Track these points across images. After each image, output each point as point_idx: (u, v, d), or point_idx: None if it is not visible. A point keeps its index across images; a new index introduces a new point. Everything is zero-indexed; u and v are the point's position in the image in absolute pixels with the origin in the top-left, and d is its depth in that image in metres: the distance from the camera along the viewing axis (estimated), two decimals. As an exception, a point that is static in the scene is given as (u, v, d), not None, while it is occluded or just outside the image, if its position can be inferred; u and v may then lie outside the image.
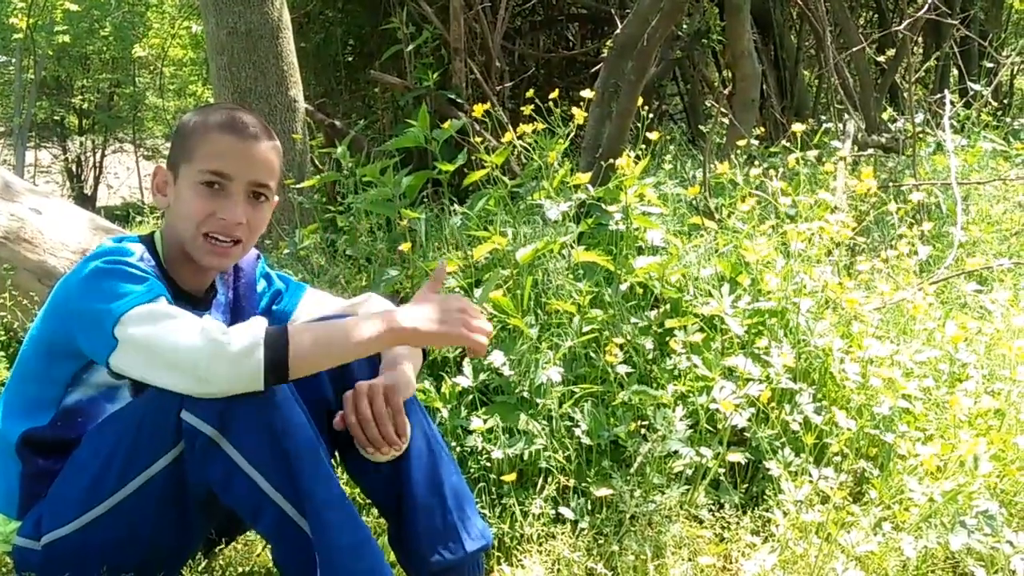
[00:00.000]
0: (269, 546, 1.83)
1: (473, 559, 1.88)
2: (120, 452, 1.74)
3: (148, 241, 1.92)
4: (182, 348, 1.64)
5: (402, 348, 1.94)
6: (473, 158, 3.46)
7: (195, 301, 1.94)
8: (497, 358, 2.51)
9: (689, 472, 2.33)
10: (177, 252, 1.91)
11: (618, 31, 3.99)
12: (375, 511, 2.21)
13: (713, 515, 2.27)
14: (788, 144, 4.19)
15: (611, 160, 3.29)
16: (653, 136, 3.29)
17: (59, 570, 1.79)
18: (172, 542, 1.83)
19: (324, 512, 1.68)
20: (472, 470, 2.36)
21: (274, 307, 2.12)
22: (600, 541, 2.22)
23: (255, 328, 1.68)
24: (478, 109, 3.16)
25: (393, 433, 1.83)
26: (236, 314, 2.04)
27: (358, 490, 2.26)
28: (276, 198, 2.00)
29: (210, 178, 1.85)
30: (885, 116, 5.42)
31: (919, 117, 5.06)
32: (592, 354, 2.61)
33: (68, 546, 1.78)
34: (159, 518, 1.77)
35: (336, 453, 2.05)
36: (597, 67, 4.63)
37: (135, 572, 1.80)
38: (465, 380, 2.51)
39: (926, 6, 4.56)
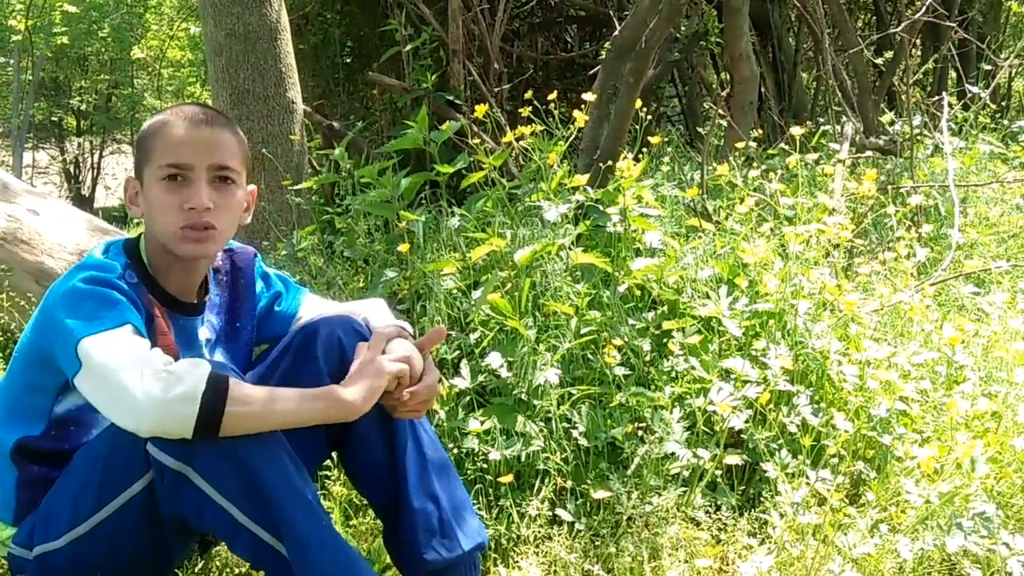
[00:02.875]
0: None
1: (469, 558, 1.88)
2: (94, 478, 1.74)
3: (134, 247, 1.90)
4: (121, 383, 1.62)
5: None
6: (472, 159, 3.46)
7: (186, 307, 1.93)
8: (495, 359, 2.51)
9: (686, 474, 2.33)
10: (161, 258, 1.88)
11: (616, 33, 3.99)
12: (371, 512, 2.21)
13: (710, 517, 2.26)
14: (786, 146, 4.20)
15: (609, 162, 3.29)
16: (654, 140, 3.29)
17: None
18: (156, 557, 1.84)
19: (302, 538, 1.67)
20: (469, 472, 2.36)
21: (276, 308, 2.11)
22: (597, 543, 2.22)
23: (197, 375, 1.65)
24: (480, 109, 3.16)
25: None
26: (234, 314, 2.03)
27: (355, 492, 2.27)
28: (252, 187, 1.98)
29: (170, 171, 1.82)
30: (883, 118, 5.42)
31: (917, 119, 5.07)
32: (590, 356, 2.61)
33: (58, 559, 1.80)
34: (139, 538, 1.77)
35: (333, 454, 2.05)
36: (595, 69, 4.63)
37: None
38: (463, 381, 2.51)
39: (925, 8, 4.56)
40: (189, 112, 1.88)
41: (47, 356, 1.78)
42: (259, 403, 1.69)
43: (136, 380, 1.62)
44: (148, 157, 1.86)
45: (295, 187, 4.06)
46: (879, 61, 6.37)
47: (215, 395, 1.63)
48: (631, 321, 2.69)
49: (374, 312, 2.05)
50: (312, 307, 2.13)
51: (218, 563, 2.14)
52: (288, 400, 1.73)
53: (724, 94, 6.15)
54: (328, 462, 2.24)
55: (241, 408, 1.65)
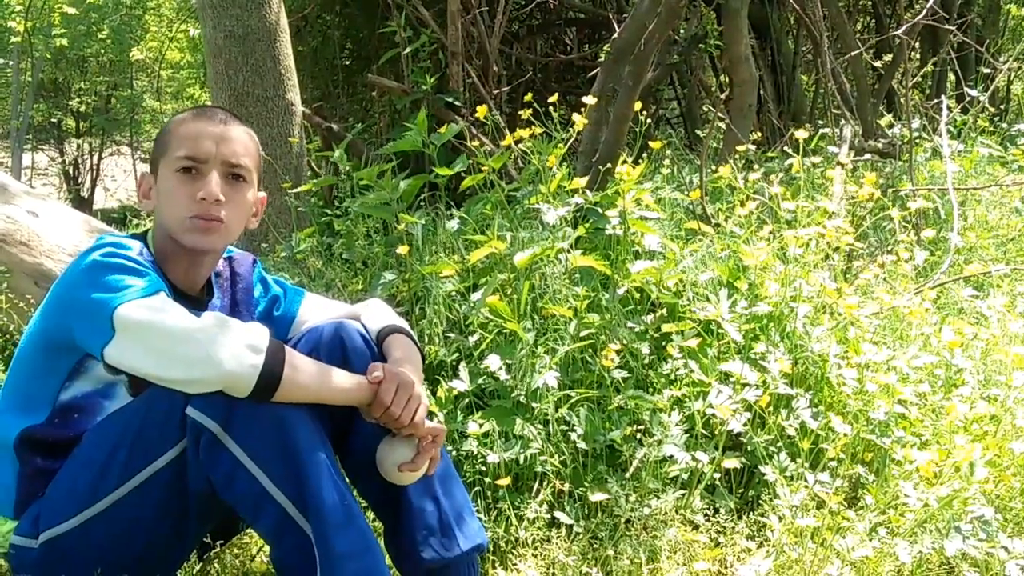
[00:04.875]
0: (268, 547, 1.82)
1: (468, 559, 1.88)
2: (122, 450, 1.74)
3: (142, 239, 1.92)
4: (181, 333, 1.66)
5: (403, 354, 1.94)
6: (471, 162, 3.46)
7: (191, 301, 1.93)
8: (494, 362, 2.51)
9: (685, 477, 2.33)
10: (168, 249, 1.91)
11: (615, 36, 3.99)
12: (371, 512, 2.21)
13: (708, 520, 2.26)
14: (786, 149, 4.20)
15: (608, 164, 3.29)
16: (655, 145, 3.29)
17: (56, 568, 1.79)
18: (170, 541, 1.83)
19: (327, 514, 1.68)
20: (468, 474, 2.36)
21: (275, 313, 2.12)
22: (595, 545, 2.22)
23: (259, 330, 1.71)
24: (481, 110, 3.16)
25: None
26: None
27: (355, 492, 2.27)
28: (262, 194, 2.01)
29: (185, 164, 1.87)
30: (882, 121, 5.43)
31: (916, 122, 5.07)
32: (589, 358, 2.61)
33: (66, 544, 1.78)
34: (159, 515, 1.77)
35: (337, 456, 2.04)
36: (594, 71, 4.63)
37: (131, 572, 1.80)
38: (461, 384, 2.50)
39: (924, 11, 4.56)
40: (208, 110, 1.95)
41: (61, 338, 1.79)
42: (311, 372, 1.75)
43: (200, 329, 1.66)
44: (164, 150, 1.91)
45: (294, 189, 4.07)
46: (878, 64, 6.38)
47: (276, 352, 1.69)
48: (630, 324, 2.69)
49: (371, 313, 2.06)
50: (314, 308, 2.14)
51: (217, 566, 2.13)
52: (337, 375, 1.79)
53: (723, 97, 6.16)
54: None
55: (296, 374, 1.71)
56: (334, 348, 1.93)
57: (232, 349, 1.65)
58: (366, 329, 2.00)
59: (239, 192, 1.92)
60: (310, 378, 1.74)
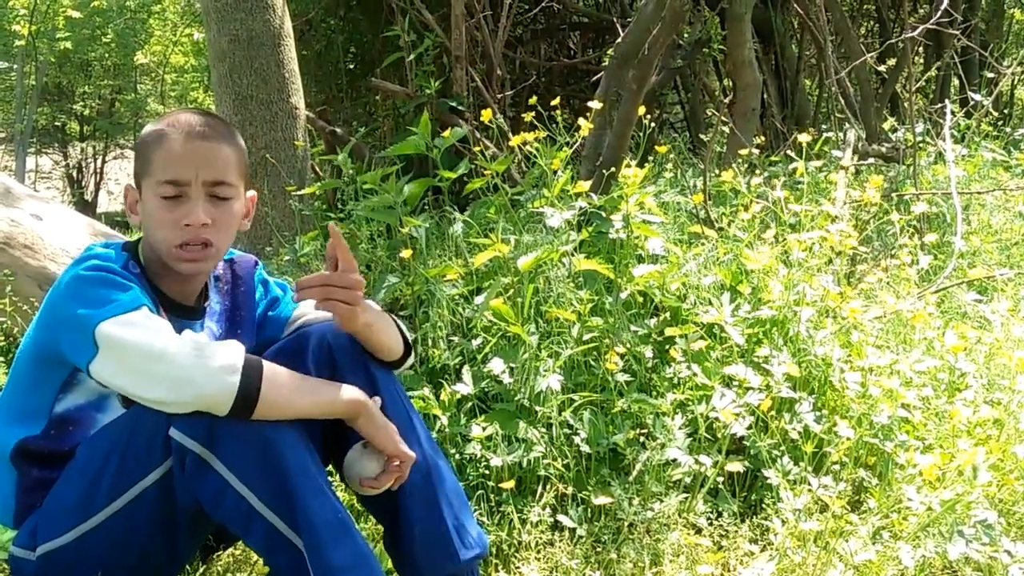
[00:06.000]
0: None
1: (469, 567, 1.88)
2: (110, 467, 1.73)
3: (132, 249, 1.90)
4: (158, 353, 1.64)
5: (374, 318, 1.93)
6: (475, 165, 3.46)
7: (185, 311, 1.93)
8: (497, 365, 2.51)
9: (688, 480, 2.33)
10: (158, 263, 1.89)
11: (619, 40, 3.99)
12: (372, 518, 2.21)
13: (711, 523, 2.26)
14: (790, 153, 4.20)
15: (612, 168, 3.29)
16: (661, 149, 3.29)
17: None
18: (165, 554, 1.83)
19: (320, 529, 1.67)
20: (471, 477, 2.36)
21: (270, 313, 2.11)
22: (598, 549, 2.22)
23: (235, 348, 1.69)
24: (486, 114, 3.16)
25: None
26: (235, 323, 2.03)
27: (355, 498, 2.27)
28: (252, 192, 1.98)
29: (168, 190, 1.82)
30: (886, 126, 5.43)
31: (920, 127, 5.07)
32: (592, 362, 2.61)
33: (63, 557, 1.78)
34: (150, 531, 1.76)
35: (332, 463, 2.04)
36: (598, 76, 4.63)
37: None
38: (464, 387, 2.51)
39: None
40: (187, 123, 1.87)
41: (51, 351, 1.78)
42: (290, 387, 1.73)
43: (176, 350, 1.64)
44: (146, 169, 1.86)
45: (298, 192, 4.07)
46: (882, 68, 6.38)
47: (252, 370, 1.67)
48: (633, 328, 2.69)
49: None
50: (308, 308, 2.12)
51: (219, 567, 2.14)
52: (316, 389, 1.77)
53: (727, 101, 6.16)
54: (330, 467, 2.23)
55: (275, 389, 1.69)
56: (322, 347, 1.92)
57: (208, 369, 1.63)
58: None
59: (225, 211, 1.87)
60: (290, 394, 1.72)
